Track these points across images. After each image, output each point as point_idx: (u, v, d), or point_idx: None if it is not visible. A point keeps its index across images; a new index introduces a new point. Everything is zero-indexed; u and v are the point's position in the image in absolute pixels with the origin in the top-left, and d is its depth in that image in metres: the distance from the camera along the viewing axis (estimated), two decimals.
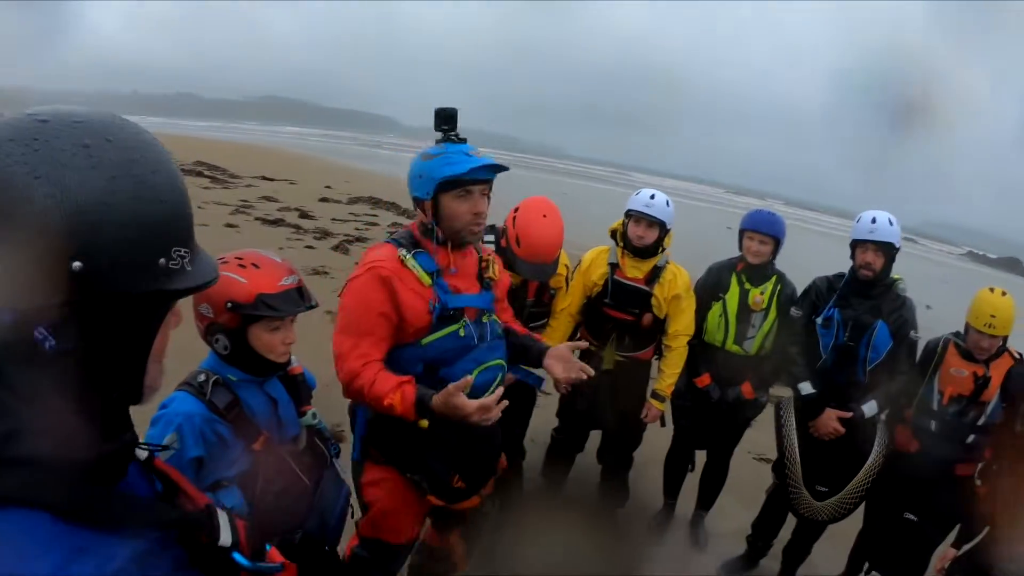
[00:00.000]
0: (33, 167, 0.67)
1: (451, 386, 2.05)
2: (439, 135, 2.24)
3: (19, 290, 0.67)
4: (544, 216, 3.03)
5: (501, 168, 2.23)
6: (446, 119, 2.22)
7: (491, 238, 3.20)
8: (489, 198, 2.25)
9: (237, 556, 0.89)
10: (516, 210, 3.05)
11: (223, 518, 0.92)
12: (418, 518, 2.54)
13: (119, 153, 0.73)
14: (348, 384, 2.19)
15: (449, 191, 2.16)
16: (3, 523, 0.65)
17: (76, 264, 0.68)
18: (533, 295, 3.32)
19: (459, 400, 2.05)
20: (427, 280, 2.20)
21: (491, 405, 2.09)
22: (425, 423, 2.26)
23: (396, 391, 2.11)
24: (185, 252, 0.79)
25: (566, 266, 3.38)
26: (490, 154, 2.23)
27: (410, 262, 2.20)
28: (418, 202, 2.24)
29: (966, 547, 3.05)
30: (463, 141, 2.22)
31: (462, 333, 2.27)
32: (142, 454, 0.92)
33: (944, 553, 3.05)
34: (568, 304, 3.52)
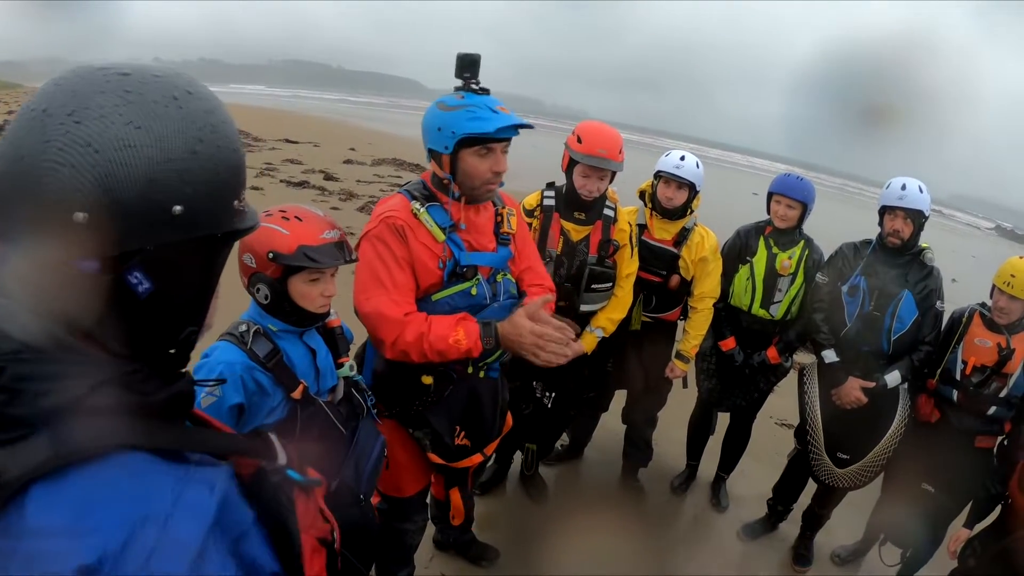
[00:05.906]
0: (130, 117, 0.69)
1: (521, 308, 2.11)
2: (459, 83, 2.12)
3: (118, 235, 0.69)
4: (600, 122, 3.03)
5: (527, 126, 2.14)
6: (468, 65, 2.09)
7: (551, 194, 3.14)
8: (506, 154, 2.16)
9: (291, 472, 0.92)
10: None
11: (276, 441, 0.96)
12: (421, 473, 2.53)
13: (201, 104, 0.76)
14: (397, 339, 2.08)
15: (470, 147, 2.07)
16: (111, 469, 0.66)
17: (176, 208, 0.72)
18: (595, 250, 3.11)
19: (520, 319, 2.07)
20: (440, 235, 2.14)
21: (550, 333, 2.07)
22: (429, 380, 2.24)
23: (457, 327, 2.08)
24: (244, 195, 0.83)
25: (630, 223, 3.24)
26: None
27: (423, 216, 2.13)
28: (434, 154, 2.15)
29: (979, 527, 2.98)
30: (485, 92, 2.11)
31: (474, 292, 2.21)
32: None
33: (956, 534, 2.98)
34: (634, 269, 3.30)
